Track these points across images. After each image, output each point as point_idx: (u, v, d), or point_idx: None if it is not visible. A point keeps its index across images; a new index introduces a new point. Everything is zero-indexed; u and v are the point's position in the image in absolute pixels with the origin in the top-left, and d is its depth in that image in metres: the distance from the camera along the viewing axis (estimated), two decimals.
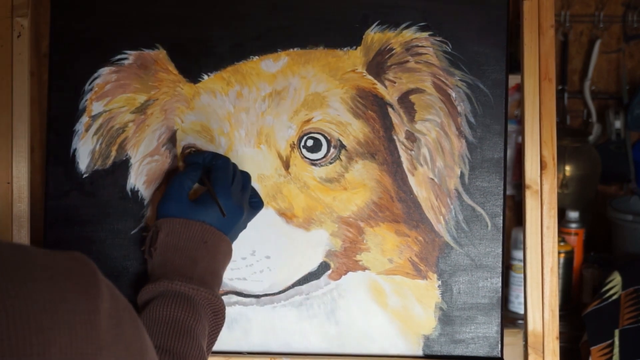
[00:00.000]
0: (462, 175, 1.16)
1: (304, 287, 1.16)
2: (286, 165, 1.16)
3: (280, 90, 1.16)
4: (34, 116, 1.89)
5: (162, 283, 1.01)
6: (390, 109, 1.16)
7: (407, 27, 1.17)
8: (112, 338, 0.63)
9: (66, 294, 0.61)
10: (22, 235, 1.17)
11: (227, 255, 1.07)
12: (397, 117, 1.16)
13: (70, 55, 1.18)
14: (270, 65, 1.17)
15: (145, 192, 1.17)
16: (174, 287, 1.00)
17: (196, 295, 1.00)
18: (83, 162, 1.17)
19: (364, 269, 1.16)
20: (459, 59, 1.17)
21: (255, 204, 1.14)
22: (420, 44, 1.17)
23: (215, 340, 1.03)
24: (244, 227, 1.11)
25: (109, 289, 0.65)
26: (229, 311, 1.15)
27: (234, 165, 1.11)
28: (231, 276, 1.15)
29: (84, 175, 1.17)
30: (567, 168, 2.26)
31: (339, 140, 1.16)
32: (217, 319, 1.03)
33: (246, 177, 1.13)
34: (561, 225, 2.21)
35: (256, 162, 1.16)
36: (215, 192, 1.06)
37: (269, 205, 1.16)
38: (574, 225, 2.22)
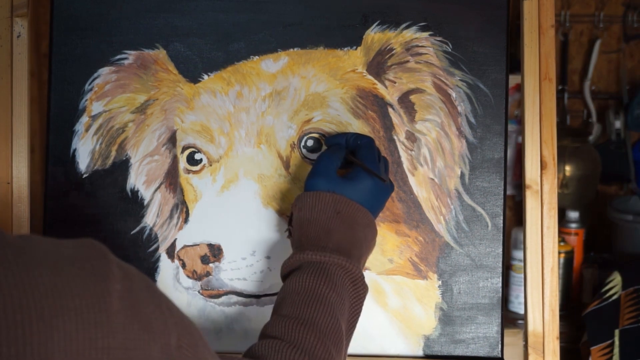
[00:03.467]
0: (462, 175, 1.16)
1: None
2: (286, 165, 1.16)
3: (281, 90, 1.16)
4: (34, 116, 1.89)
5: (295, 256, 1.00)
6: (390, 109, 1.16)
7: (407, 27, 1.17)
8: (126, 319, 0.62)
9: (71, 278, 0.61)
10: None
11: (367, 227, 1.04)
12: (397, 117, 1.16)
13: (70, 55, 1.18)
14: (271, 65, 1.17)
15: (145, 192, 1.17)
16: (305, 257, 0.99)
17: (329, 262, 0.98)
18: (83, 162, 1.17)
19: (364, 269, 1.16)
20: (459, 59, 1.17)
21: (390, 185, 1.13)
22: (420, 44, 1.17)
23: (360, 311, 1.01)
24: (382, 207, 1.09)
25: (122, 270, 0.65)
26: (229, 311, 1.15)
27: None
28: (231, 276, 1.15)
29: (84, 175, 1.17)
30: (567, 168, 2.26)
31: None
32: (357, 288, 1.00)
33: (385, 160, 1.12)
34: (561, 225, 2.20)
35: (256, 162, 1.16)
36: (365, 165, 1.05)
37: (269, 205, 1.16)
38: (574, 225, 2.22)
